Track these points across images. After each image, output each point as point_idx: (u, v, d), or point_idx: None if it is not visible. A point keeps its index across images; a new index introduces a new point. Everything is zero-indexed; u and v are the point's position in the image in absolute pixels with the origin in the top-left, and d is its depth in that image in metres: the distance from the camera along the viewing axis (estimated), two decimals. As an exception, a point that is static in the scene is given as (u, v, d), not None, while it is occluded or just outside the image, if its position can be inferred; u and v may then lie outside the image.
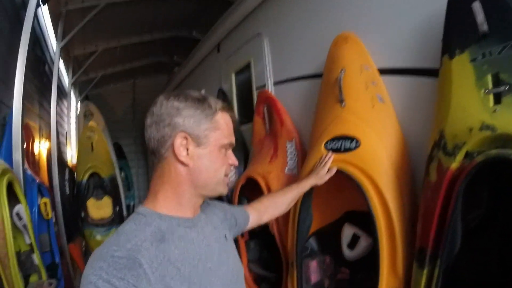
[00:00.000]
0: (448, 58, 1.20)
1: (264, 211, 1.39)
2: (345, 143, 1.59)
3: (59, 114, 4.43)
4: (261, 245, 2.45)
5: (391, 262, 1.37)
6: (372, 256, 1.51)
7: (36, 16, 2.29)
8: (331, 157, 1.60)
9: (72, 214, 3.99)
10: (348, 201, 1.78)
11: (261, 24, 2.72)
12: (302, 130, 2.21)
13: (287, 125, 2.23)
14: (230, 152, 0.95)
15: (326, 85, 1.80)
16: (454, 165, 1.09)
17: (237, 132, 2.77)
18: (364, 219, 1.59)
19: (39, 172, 3.26)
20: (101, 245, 0.76)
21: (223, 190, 0.94)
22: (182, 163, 0.86)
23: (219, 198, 2.50)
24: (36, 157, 3.32)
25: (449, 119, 1.15)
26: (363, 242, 1.62)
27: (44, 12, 3.88)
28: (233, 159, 0.95)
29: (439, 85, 1.27)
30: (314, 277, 1.76)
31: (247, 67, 2.90)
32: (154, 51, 6.96)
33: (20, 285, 1.53)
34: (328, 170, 1.57)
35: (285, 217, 1.87)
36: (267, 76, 2.61)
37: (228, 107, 0.95)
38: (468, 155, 1.07)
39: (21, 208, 1.82)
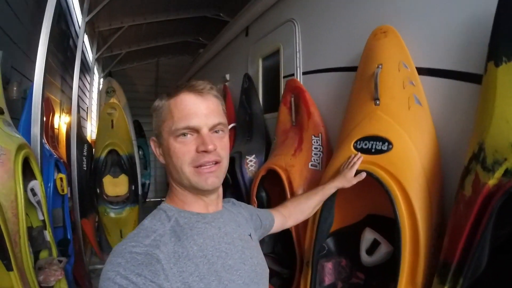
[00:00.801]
0: (494, 65, 1.13)
1: (289, 216, 1.35)
2: (376, 144, 1.53)
3: (81, 89, 4.43)
4: (275, 239, 2.42)
5: (411, 273, 1.32)
6: (389, 263, 1.49)
7: (62, -12, 2.23)
8: (360, 159, 1.54)
9: (88, 190, 4.03)
10: (371, 204, 1.73)
11: (294, 9, 2.63)
12: (330, 125, 2.13)
13: (315, 118, 2.14)
14: (197, 136, 0.83)
15: (360, 80, 1.74)
16: (492, 181, 1.02)
17: (259, 119, 2.78)
18: (385, 224, 1.57)
19: (57, 146, 3.27)
20: (121, 241, 0.76)
21: (203, 184, 0.82)
22: (162, 163, 0.89)
23: (237, 188, 2.50)
24: (56, 132, 3.32)
25: (490, 132, 1.08)
26: (383, 249, 1.57)
27: (71, -15, 3.84)
28: (199, 143, 0.81)
29: (481, 93, 1.20)
30: (328, 279, 1.72)
31: (276, 53, 2.81)
32: (179, 31, 6.92)
33: (29, 263, 1.51)
34: (357, 174, 1.49)
35: None
36: (297, 64, 2.52)
37: (187, 86, 0.84)
38: (507, 172, 0.99)
39: (36, 184, 1.79)
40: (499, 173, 1.01)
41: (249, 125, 2.88)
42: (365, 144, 1.56)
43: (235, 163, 2.58)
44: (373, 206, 1.71)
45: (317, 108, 2.20)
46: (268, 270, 1.00)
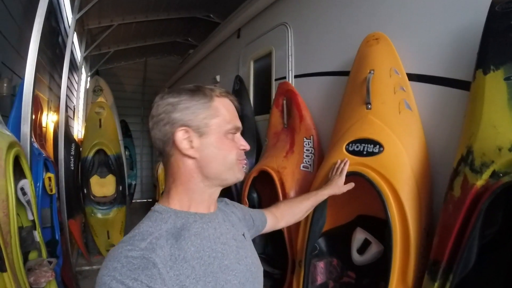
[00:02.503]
0: (482, 73, 1.19)
1: (281, 218, 1.37)
2: (368, 147, 1.57)
3: (68, 88, 4.35)
4: (266, 240, 2.44)
5: (402, 271, 1.36)
6: (380, 263, 1.54)
7: (53, -15, 2.20)
8: (346, 164, 1.58)
9: (75, 190, 3.97)
10: (361, 205, 1.76)
11: (287, 13, 2.66)
12: (321, 128, 2.16)
13: (306, 121, 2.17)
14: (238, 136, 0.92)
15: (352, 84, 1.78)
16: (480, 182, 1.08)
17: (250, 121, 2.78)
18: (375, 225, 1.62)
19: (45, 145, 3.20)
20: (117, 244, 0.75)
21: (239, 175, 0.91)
22: (189, 156, 0.85)
23: (227, 189, 2.50)
24: (43, 130, 3.26)
25: (478, 136, 1.13)
26: (374, 248, 1.61)
27: (62, -18, 3.79)
28: (243, 143, 0.92)
29: (470, 99, 1.25)
30: (320, 278, 1.75)
31: (268, 56, 2.83)
32: (169, 31, 6.89)
33: (20, 263, 1.48)
34: (348, 183, 1.55)
35: None
36: (289, 67, 2.54)
37: (225, 92, 0.93)
38: (494, 174, 1.05)
39: (26, 183, 1.76)
40: (486, 174, 1.07)
41: (240, 127, 2.88)
42: (357, 147, 1.59)
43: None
44: (364, 207, 1.75)
45: (309, 111, 2.22)
46: (262, 269, 1.01)
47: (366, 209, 1.74)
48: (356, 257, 1.66)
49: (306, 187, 1.91)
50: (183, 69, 5.88)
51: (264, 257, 2.36)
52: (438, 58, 1.53)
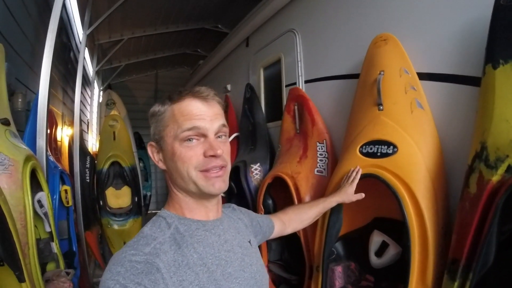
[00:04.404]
0: (492, 68, 1.18)
1: (288, 223, 1.35)
2: (381, 148, 1.55)
3: (82, 102, 4.43)
4: (282, 246, 2.42)
5: (421, 272, 1.34)
6: (398, 265, 1.51)
7: (64, 2, 2.25)
8: (359, 172, 1.55)
9: (91, 202, 4.01)
10: (378, 207, 1.74)
11: (294, 20, 2.67)
12: (334, 132, 2.15)
13: (319, 126, 2.16)
14: (206, 139, 0.83)
15: (363, 86, 1.77)
16: (495, 178, 1.06)
17: (262, 128, 2.79)
18: (392, 227, 1.59)
19: (60, 159, 3.26)
20: (121, 248, 0.76)
21: (210, 188, 0.82)
22: (161, 168, 0.88)
23: (242, 196, 2.50)
24: (58, 144, 3.31)
25: (491, 131, 1.12)
26: (392, 251, 1.58)
27: (72, -1, 3.87)
28: (207, 148, 0.81)
29: (481, 95, 1.24)
30: (338, 283, 1.72)
31: (277, 63, 2.84)
32: (178, 43, 6.96)
33: (38, 274, 1.50)
34: (358, 193, 1.53)
35: None
36: (298, 73, 2.54)
37: (191, 91, 0.85)
38: (510, 168, 1.04)
39: (43, 195, 1.79)
40: (501, 169, 1.05)
41: (253, 134, 2.89)
42: (371, 148, 1.58)
43: (239, 172, 2.58)
44: (380, 209, 1.72)
45: (320, 116, 2.21)
46: (267, 277, 1.00)
47: (383, 211, 1.71)
48: (374, 260, 1.63)
49: (321, 191, 1.90)
50: (194, 80, 5.92)
51: (281, 263, 2.35)
52: (447, 55, 1.51)
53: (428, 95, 1.58)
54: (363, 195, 1.52)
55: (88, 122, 5.51)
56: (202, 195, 0.85)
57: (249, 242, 0.98)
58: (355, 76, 1.93)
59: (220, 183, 0.83)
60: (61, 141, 3.48)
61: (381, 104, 1.61)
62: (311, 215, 1.43)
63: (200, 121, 0.82)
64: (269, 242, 2.37)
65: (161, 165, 0.87)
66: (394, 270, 1.55)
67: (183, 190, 0.85)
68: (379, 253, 1.62)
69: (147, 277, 0.68)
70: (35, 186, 1.80)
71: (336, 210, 1.61)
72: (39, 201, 1.74)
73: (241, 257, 0.88)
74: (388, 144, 1.52)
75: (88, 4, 4.00)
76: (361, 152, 1.61)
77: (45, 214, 1.77)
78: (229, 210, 1.05)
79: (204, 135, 0.82)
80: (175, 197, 0.87)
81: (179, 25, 5.87)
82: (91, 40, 5.16)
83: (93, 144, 5.62)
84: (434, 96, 1.56)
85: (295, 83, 2.56)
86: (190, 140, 0.81)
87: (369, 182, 1.53)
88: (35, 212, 1.71)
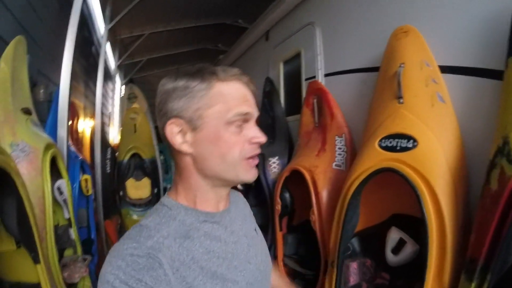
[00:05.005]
0: None
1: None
2: (401, 142, 1.50)
3: (103, 95, 4.51)
4: (298, 240, 2.40)
5: (438, 271, 1.29)
6: (415, 263, 1.46)
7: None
8: None
9: (111, 192, 4.09)
10: (396, 203, 1.69)
11: (314, 13, 2.64)
12: (353, 126, 2.11)
13: (338, 119, 2.13)
14: (249, 126, 0.78)
15: (383, 79, 1.73)
16: None
17: (282, 122, 2.77)
18: (411, 224, 1.55)
19: (82, 149, 3.33)
20: (122, 239, 0.71)
21: (245, 177, 0.79)
22: (184, 152, 0.77)
23: (260, 189, 2.49)
24: (80, 135, 3.39)
25: None
26: (409, 248, 1.54)
27: (93, -7, 3.95)
28: (254, 135, 0.78)
29: (503, 88, 1.20)
30: (353, 279, 1.69)
31: (297, 56, 2.81)
32: (199, 38, 7.00)
33: (55, 258, 1.53)
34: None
35: (329, 214, 1.84)
36: (318, 67, 2.51)
37: (235, 73, 0.79)
38: None
39: (63, 183, 1.83)
40: None
41: (272, 128, 2.88)
42: (390, 142, 1.54)
43: (258, 165, 2.57)
44: (399, 206, 1.68)
45: (340, 109, 2.18)
46: (271, 267, 0.96)
47: (401, 207, 1.67)
48: (390, 257, 1.59)
49: (338, 186, 1.87)
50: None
51: (297, 258, 2.33)
52: (469, 48, 1.47)
53: (450, 88, 1.54)
54: None
55: (110, 115, 5.61)
56: (231, 183, 0.82)
57: (255, 230, 0.94)
58: (375, 69, 1.89)
59: (255, 171, 0.81)
60: (82, 133, 3.56)
61: (401, 97, 1.57)
62: None
63: (250, 108, 0.78)
64: (285, 236, 2.35)
65: (185, 147, 0.76)
66: (411, 268, 1.51)
67: (210, 177, 0.78)
68: (396, 250, 1.57)
69: (148, 273, 0.65)
70: (56, 174, 1.84)
71: (353, 204, 1.58)
72: (58, 188, 1.77)
73: (247, 248, 0.84)
74: (408, 137, 1.47)
75: (108, -1, 4.08)
76: (380, 146, 1.57)
77: (64, 201, 1.80)
78: (234, 194, 0.96)
79: (249, 122, 0.79)
80: (192, 185, 0.79)
81: (199, 20, 5.90)
82: (112, 35, 5.25)
83: (114, 136, 5.72)
84: (455, 90, 1.52)
85: (314, 77, 2.53)
86: (238, 126, 0.76)
87: (388, 176, 1.48)
88: (54, 198, 1.74)
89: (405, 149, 1.47)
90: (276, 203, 2.24)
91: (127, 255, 0.66)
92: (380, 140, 1.58)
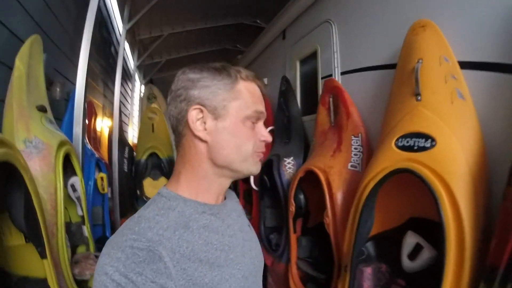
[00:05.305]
0: None
1: None
2: (418, 142, 1.43)
3: (123, 95, 4.58)
4: (313, 243, 2.33)
5: (456, 278, 1.20)
6: (432, 269, 1.38)
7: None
8: None
9: (128, 191, 4.12)
10: (413, 206, 1.60)
11: (330, 10, 2.57)
12: (370, 125, 2.04)
13: (354, 118, 2.06)
14: (260, 125, 0.85)
15: (400, 76, 1.65)
16: None
17: (298, 121, 2.74)
18: (429, 228, 1.46)
19: (99, 148, 3.37)
20: (120, 229, 0.71)
21: (253, 169, 0.84)
22: (200, 139, 0.79)
23: (274, 189, 2.45)
24: (98, 134, 3.43)
25: None
26: (426, 254, 1.45)
27: (111, -6, 4.01)
28: (264, 134, 0.84)
29: None
30: (367, 285, 1.62)
31: (313, 55, 2.75)
32: (218, 38, 7.03)
33: (65, 255, 1.54)
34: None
35: (344, 217, 1.77)
36: (334, 65, 2.45)
37: (253, 76, 0.86)
38: None
39: (77, 180, 1.84)
40: None
41: (287, 127, 2.83)
42: (407, 142, 1.46)
43: (273, 166, 2.54)
44: (416, 209, 1.59)
45: (356, 108, 2.11)
46: (263, 262, 0.97)
47: (419, 210, 1.58)
48: (406, 263, 1.51)
49: (353, 188, 1.81)
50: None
51: (311, 261, 2.28)
52: (490, 43, 1.38)
53: (470, 84, 1.45)
54: None
55: (129, 115, 5.69)
56: (239, 174, 0.85)
57: (249, 226, 0.96)
58: (392, 66, 1.82)
59: (260, 165, 0.86)
60: (101, 132, 3.61)
61: (419, 94, 1.49)
62: None
63: (264, 108, 0.85)
64: (299, 238, 2.30)
65: (203, 134, 0.79)
66: (428, 275, 1.44)
67: (221, 167, 0.81)
68: (412, 256, 1.50)
69: (148, 266, 0.64)
70: (70, 171, 1.86)
71: (368, 207, 1.52)
72: (72, 185, 1.79)
73: (242, 242, 0.85)
74: (426, 137, 1.40)
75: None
76: (396, 146, 1.50)
77: (78, 198, 1.82)
78: (228, 192, 0.97)
79: (260, 121, 0.85)
80: (200, 173, 0.81)
81: (218, 20, 5.92)
82: (132, 36, 5.32)
83: (133, 136, 5.80)
84: (476, 86, 1.44)
85: (331, 75, 2.47)
86: (252, 123, 0.82)
87: (405, 178, 1.42)
88: (68, 196, 1.76)
89: (422, 148, 1.40)
90: (290, 204, 2.19)
91: (127, 247, 0.65)
92: (397, 140, 1.51)
